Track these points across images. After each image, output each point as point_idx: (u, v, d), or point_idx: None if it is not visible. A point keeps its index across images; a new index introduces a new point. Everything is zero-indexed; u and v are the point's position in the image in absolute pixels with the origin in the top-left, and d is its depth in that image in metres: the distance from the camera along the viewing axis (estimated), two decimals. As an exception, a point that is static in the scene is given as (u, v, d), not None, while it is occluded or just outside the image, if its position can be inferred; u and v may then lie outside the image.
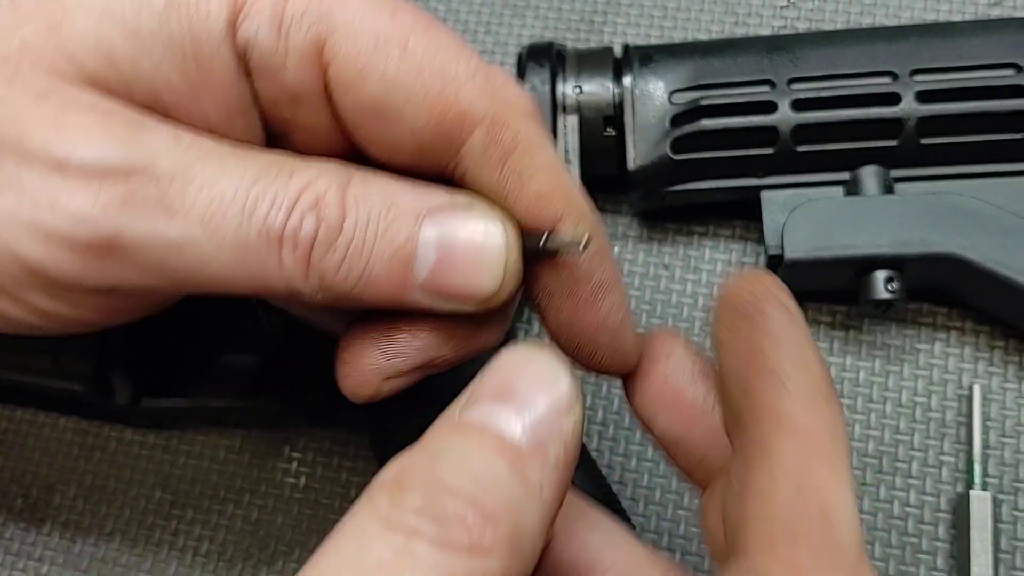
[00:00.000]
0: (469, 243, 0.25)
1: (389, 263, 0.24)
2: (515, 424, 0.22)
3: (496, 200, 0.26)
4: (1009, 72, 0.41)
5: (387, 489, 0.21)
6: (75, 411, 0.48)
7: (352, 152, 0.27)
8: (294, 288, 0.24)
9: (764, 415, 0.23)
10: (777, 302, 0.25)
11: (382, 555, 0.20)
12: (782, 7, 0.52)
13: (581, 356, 0.28)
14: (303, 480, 0.45)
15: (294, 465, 0.45)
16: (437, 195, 0.25)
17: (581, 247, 0.25)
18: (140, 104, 0.25)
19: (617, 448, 0.44)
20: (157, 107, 0.25)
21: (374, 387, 0.27)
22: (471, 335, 0.27)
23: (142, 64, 0.24)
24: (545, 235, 0.26)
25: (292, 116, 0.27)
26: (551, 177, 0.26)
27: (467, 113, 0.25)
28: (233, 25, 0.25)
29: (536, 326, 0.46)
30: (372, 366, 0.27)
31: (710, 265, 0.47)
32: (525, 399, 0.23)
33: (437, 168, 0.27)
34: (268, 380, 0.43)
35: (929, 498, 0.41)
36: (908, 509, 0.41)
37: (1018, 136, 0.41)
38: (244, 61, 0.26)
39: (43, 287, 0.25)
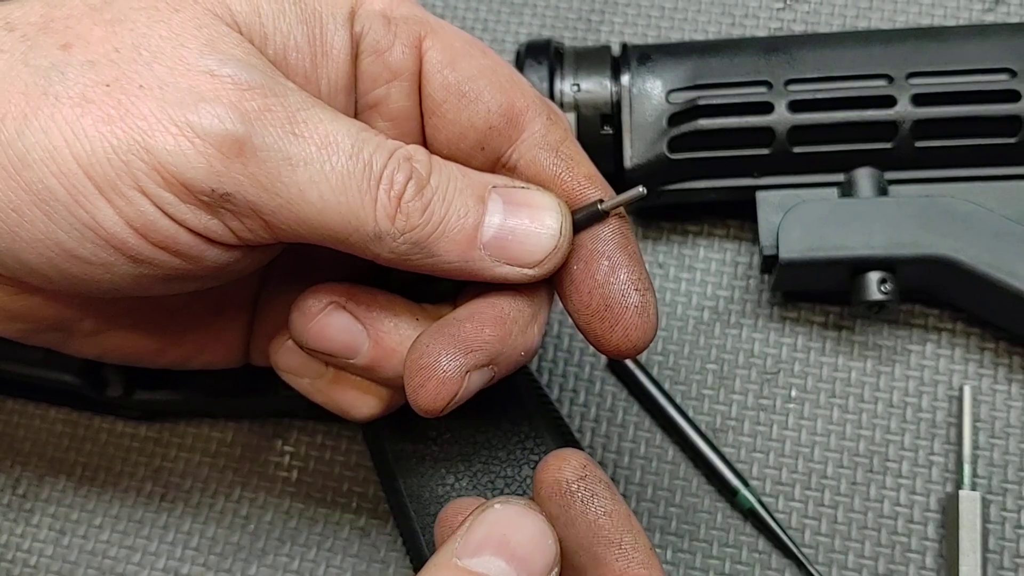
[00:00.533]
0: (530, 209, 0.30)
1: (464, 218, 0.29)
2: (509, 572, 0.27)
3: (551, 179, 0.31)
4: (1003, 77, 0.42)
5: None
6: (66, 402, 0.47)
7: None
8: (380, 229, 0.28)
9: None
10: (600, 482, 0.29)
11: None
12: (778, 9, 0.53)
13: (609, 318, 0.30)
14: (295, 474, 0.45)
15: (286, 459, 0.45)
16: (500, 177, 0.31)
17: (643, 190, 0.30)
18: (270, 58, 0.29)
19: (610, 445, 0.44)
20: (283, 66, 0.29)
21: (457, 385, 0.29)
22: (524, 330, 0.31)
23: (280, 22, 0.29)
24: (598, 201, 0.31)
25: (384, 96, 0.32)
26: (592, 166, 0.32)
27: (531, 105, 0.31)
28: (352, 14, 0.31)
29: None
30: (451, 363, 0.29)
31: (704, 264, 0.47)
32: (525, 557, 0.27)
33: (495, 154, 0.31)
34: (262, 374, 0.43)
35: (919, 497, 0.41)
36: (898, 508, 0.41)
37: (1011, 140, 0.41)
38: (356, 46, 0.31)
39: (164, 184, 0.26)
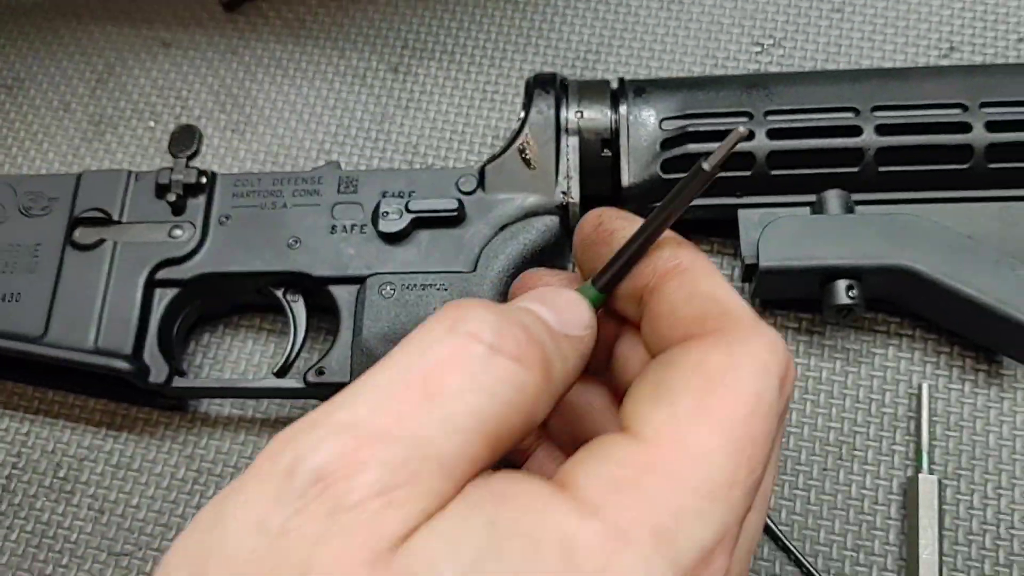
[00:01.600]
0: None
1: None
2: (548, 314, 0.28)
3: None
4: (956, 111, 0.47)
5: (451, 311, 0.26)
6: (106, 394, 0.51)
7: None
8: None
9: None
10: (617, 219, 0.32)
11: (440, 352, 0.24)
12: (756, 52, 0.59)
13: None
14: (318, 460, 0.49)
15: (310, 446, 0.50)
16: None
17: (743, 130, 0.30)
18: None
19: (606, 435, 0.48)
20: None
21: None
22: None
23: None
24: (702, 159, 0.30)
25: None
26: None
27: None
28: None
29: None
30: None
31: (691, 276, 0.52)
32: (556, 307, 0.28)
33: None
34: (291, 363, 0.48)
35: (883, 482, 0.46)
36: (864, 491, 0.46)
37: (964, 166, 0.47)
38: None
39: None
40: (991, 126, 0.46)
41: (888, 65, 0.57)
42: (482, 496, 0.23)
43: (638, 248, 0.30)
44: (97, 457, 0.50)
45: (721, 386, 0.25)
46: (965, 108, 0.47)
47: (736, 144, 0.29)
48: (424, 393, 0.23)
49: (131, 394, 0.51)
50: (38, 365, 0.49)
